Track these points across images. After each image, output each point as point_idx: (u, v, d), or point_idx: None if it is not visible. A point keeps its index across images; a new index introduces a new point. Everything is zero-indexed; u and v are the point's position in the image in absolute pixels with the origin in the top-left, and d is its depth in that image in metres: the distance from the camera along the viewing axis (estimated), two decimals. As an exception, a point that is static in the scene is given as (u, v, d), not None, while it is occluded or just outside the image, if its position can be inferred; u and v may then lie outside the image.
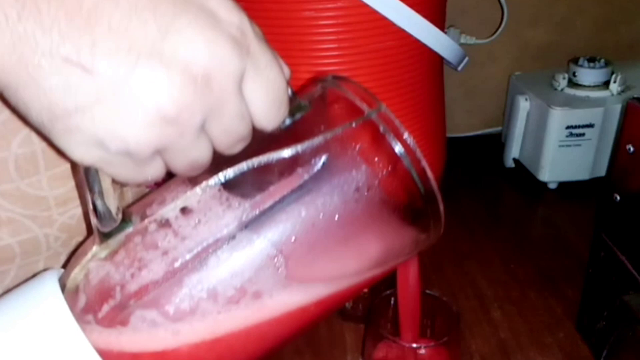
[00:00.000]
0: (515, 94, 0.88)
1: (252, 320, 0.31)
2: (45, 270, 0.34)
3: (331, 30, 0.61)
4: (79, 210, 0.41)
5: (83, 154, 0.26)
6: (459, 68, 0.73)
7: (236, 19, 0.27)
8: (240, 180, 0.31)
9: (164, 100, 0.25)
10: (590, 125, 0.81)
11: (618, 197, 0.51)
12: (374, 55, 0.63)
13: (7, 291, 0.32)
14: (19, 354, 0.29)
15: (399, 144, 0.33)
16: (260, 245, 0.31)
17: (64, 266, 0.34)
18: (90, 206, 0.30)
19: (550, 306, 0.64)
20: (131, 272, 0.30)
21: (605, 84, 0.85)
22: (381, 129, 0.33)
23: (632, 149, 0.48)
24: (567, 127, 0.81)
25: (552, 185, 0.86)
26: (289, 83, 0.31)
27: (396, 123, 0.33)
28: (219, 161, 0.30)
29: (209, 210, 0.31)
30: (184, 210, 0.31)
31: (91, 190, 0.29)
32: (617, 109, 0.81)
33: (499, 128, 1.01)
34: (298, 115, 0.32)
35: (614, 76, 0.84)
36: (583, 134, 0.82)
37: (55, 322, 0.30)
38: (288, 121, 0.32)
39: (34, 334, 0.29)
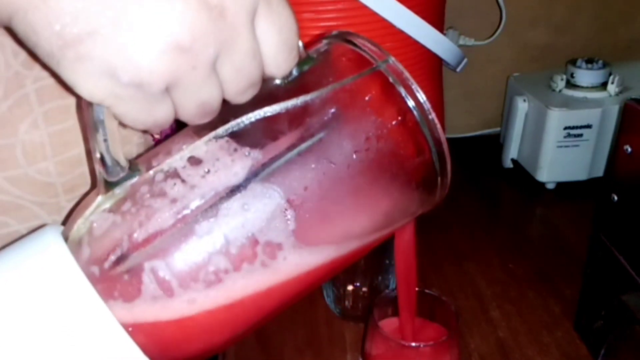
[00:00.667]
0: (514, 95, 0.88)
1: (266, 283, 0.31)
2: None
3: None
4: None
5: (93, 88, 0.25)
6: (458, 69, 0.73)
7: None
8: (248, 132, 0.30)
9: (178, 27, 0.24)
10: (588, 126, 0.81)
11: (616, 197, 0.51)
12: None
13: (7, 245, 0.31)
14: (22, 304, 0.27)
15: (408, 95, 0.32)
16: (271, 195, 0.30)
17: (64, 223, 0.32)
18: (97, 153, 0.28)
19: (548, 306, 0.64)
20: (139, 220, 0.29)
21: (603, 85, 0.85)
22: (390, 79, 0.32)
23: (629, 149, 0.48)
24: (565, 128, 0.81)
25: (550, 186, 0.86)
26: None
27: (405, 75, 0.32)
28: (227, 114, 0.30)
29: (217, 160, 0.30)
30: (192, 160, 0.30)
31: (97, 135, 0.28)
32: (615, 109, 0.81)
33: (498, 129, 1.01)
34: (306, 67, 0.32)
35: (611, 77, 0.84)
36: (581, 135, 0.82)
37: (59, 271, 0.28)
38: (296, 72, 0.31)
39: (37, 284, 0.28)
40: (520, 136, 0.89)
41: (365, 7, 0.59)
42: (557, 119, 0.81)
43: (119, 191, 0.29)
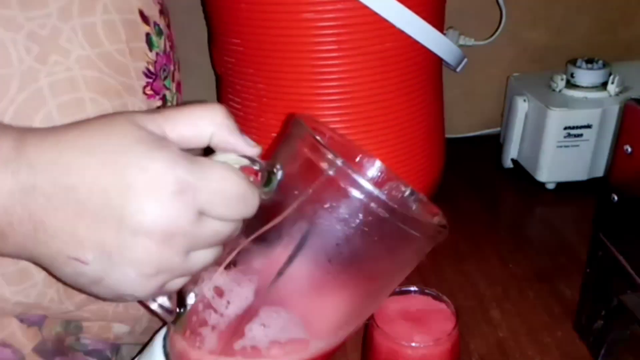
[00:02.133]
0: (514, 95, 0.88)
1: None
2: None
3: (331, 32, 0.61)
4: None
5: (112, 300, 0.36)
6: (458, 69, 0.73)
7: (170, 176, 0.32)
8: (247, 256, 0.39)
9: (141, 267, 0.33)
10: (588, 126, 0.81)
11: (616, 198, 0.51)
12: (373, 56, 0.63)
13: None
14: None
15: (359, 192, 0.35)
16: (278, 312, 0.39)
17: None
18: (158, 311, 0.39)
19: (548, 306, 0.64)
20: (197, 344, 0.40)
21: (603, 85, 0.85)
22: (341, 184, 0.36)
23: (629, 149, 0.48)
24: (565, 128, 0.81)
25: (550, 186, 0.86)
26: (258, 157, 0.37)
27: (351, 175, 0.35)
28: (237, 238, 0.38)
29: (231, 290, 0.39)
30: (217, 290, 0.39)
31: (144, 306, 0.39)
32: (615, 109, 0.81)
33: (498, 129, 1.01)
34: (276, 183, 0.38)
35: (611, 77, 0.84)
36: (581, 135, 0.82)
37: None
38: (266, 195, 0.37)
39: None
40: (520, 136, 0.88)
41: (365, 7, 0.59)
42: (557, 119, 0.81)
43: (180, 324, 0.40)
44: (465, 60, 0.72)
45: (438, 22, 0.68)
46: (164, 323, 0.46)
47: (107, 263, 0.32)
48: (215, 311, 0.39)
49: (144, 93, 0.49)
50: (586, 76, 0.85)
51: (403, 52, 0.65)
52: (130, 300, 0.36)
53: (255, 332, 0.39)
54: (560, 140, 0.82)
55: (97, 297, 0.35)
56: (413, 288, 0.52)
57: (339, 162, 0.35)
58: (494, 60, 1.00)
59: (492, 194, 0.88)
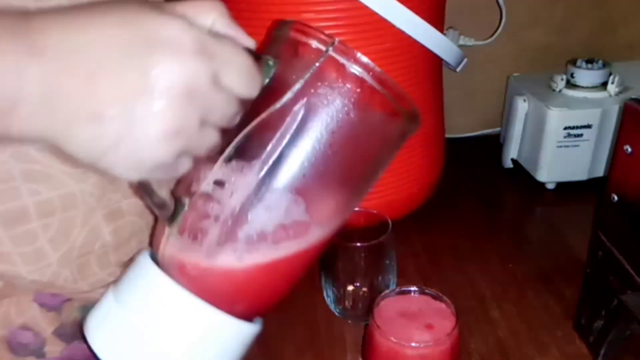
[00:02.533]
0: (514, 95, 0.88)
1: (293, 250, 0.41)
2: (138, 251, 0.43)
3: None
4: None
5: (128, 176, 0.34)
6: (458, 69, 0.73)
7: (189, 35, 0.33)
8: (246, 147, 0.39)
9: (163, 123, 0.32)
10: (588, 126, 0.81)
11: (616, 197, 0.51)
12: (373, 56, 0.61)
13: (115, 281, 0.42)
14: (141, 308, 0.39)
15: (358, 67, 0.39)
16: (281, 194, 0.39)
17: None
18: (150, 205, 0.38)
19: (548, 305, 0.64)
20: (199, 239, 0.39)
21: (603, 85, 0.85)
22: (340, 60, 0.39)
23: (629, 149, 0.48)
24: (565, 128, 0.81)
25: (550, 186, 0.86)
26: (255, 49, 0.38)
27: (352, 52, 0.39)
28: (228, 137, 0.38)
29: (233, 179, 0.39)
30: (217, 182, 0.39)
31: (147, 195, 0.38)
32: (615, 109, 0.81)
33: (498, 129, 1.01)
34: (271, 73, 0.39)
35: (611, 77, 0.84)
36: (581, 135, 0.82)
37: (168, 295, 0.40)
38: (266, 81, 0.38)
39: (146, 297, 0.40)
40: (520, 136, 0.88)
41: (365, 7, 0.59)
42: (557, 119, 0.81)
43: (176, 223, 0.39)
44: (466, 60, 0.72)
45: (438, 22, 0.68)
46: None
47: (128, 120, 0.31)
48: (218, 202, 0.39)
49: None
50: (586, 76, 0.85)
51: (403, 52, 0.65)
52: (143, 174, 0.35)
53: (261, 216, 0.39)
54: (560, 140, 0.82)
55: (112, 172, 0.34)
56: (413, 288, 0.52)
57: (335, 40, 0.38)
58: (494, 60, 1.00)
59: (492, 194, 0.88)
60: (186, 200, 0.40)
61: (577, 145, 0.82)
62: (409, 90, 0.66)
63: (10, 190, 0.43)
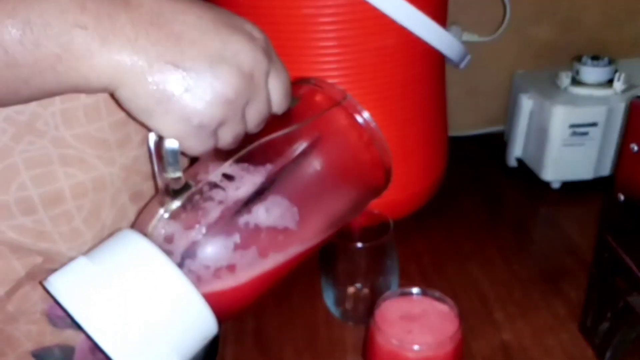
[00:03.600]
0: (518, 93, 0.88)
1: (285, 249, 0.47)
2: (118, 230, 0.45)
3: (331, 27, 0.61)
4: (133, 153, 0.51)
5: (173, 130, 0.39)
6: (461, 66, 0.73)
7: (262, 36, 0.42)
8: (255, 155, 0.45)
9: (227, 87, 0.39)
10: (594, 124, 0.81)
11: (622, 197, 0.51)
12: (374, 53, 0.63)
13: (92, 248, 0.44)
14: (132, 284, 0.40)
15: (362, 119, 0.52)
16: (280, 202, 0.46)
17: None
18: (167, 173, 0.42)
19: (553, 307, 0.63)
20: (198, 219, 0.43)
21: (609, 82, 0.84)
22: (347, 109, 0.51)
23: (636, 148, 0.48)
24: (571, 126, 0.81)
25: (556, 185, 0.86)
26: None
27: (359, 107, 0.52)
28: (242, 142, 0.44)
29: (241, 176, 0.45)
30: (226, 176, 0.45)
31: (168, 163, 0.41)
32: (621, 107, 0.81)
33: (502, 127, 1.01)
34: (293, 104, 0.48)
35: (617, 74, 0.83)
36: (586, 133, 0.81)
37: (147, 258, 0.41)
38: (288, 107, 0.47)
39: (134, 271, 0.40)
40: (524, 134, 0.88)
41: (365, 2, 0.58)
42: (562, 117, 0.81)
43: (179, 199, 0.43)
44: (469, 57, 0.72)
45: (441, 17, 0.68)
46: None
47: (196, 76, 0.38)
48: (224, 190, 0.44)
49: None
50: (592, 73, 0.84)
51: (405, 49, 0.64)
52: (183, 133, 0.39)
53: (260, 213, 0.45)
54: (565, 138, 0.82)
55: (158, 125, 0.38)
56: (415, 289, 0.52)
57: (348, 96, 0.52)
58: (498, 56, 1.00)
59: (496, 193, 0.88)
60: (191, 182, 0.44)
61: (583, 144, 0.82)
62: (411, 88, 0.68)
63: (49, 174, 0.47)
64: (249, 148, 0.45)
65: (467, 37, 0.94)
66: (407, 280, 0.67)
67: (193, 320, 0.41)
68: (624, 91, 0.83)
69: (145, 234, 0.43)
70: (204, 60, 0.38)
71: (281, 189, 0.46)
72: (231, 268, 0.44)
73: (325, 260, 0.61)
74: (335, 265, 0.60)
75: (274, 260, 0.46)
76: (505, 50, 0.99)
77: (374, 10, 0.59)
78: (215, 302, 0.42)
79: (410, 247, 0.74)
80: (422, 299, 0.51)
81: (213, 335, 0.44)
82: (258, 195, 0.45)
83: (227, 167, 0.45)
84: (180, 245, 0.42)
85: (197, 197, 0.44)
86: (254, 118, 0.42)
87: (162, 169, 0.41)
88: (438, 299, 0.51)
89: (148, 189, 0.54)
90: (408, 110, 0.68)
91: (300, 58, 0.63)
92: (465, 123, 1.03)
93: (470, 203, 0.84)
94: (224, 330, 0.63)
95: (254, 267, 0.45)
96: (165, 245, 0.42)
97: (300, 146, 0.48)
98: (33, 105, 0.46)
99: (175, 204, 0.43)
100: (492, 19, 0.96)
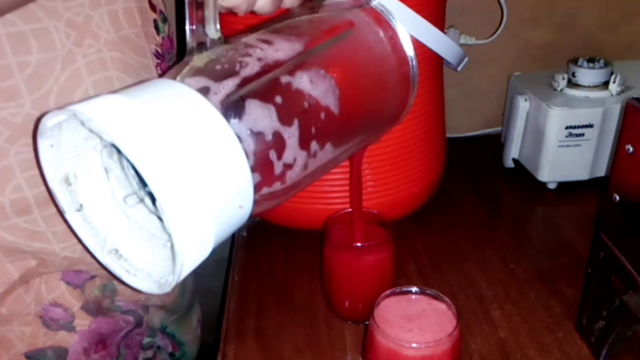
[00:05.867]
0: (515, 94, 0.88)
1: (322, 141, 0.43)
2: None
3: None
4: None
5: None
6: (459, 68, 0.72)
7: None
8: (294, 32, 0.43)
9: None
10: (590, 126, 0.81)
11: (617, 197, 0.51)
12: None
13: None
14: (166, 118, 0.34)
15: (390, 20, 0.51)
16: (324, 75, 0.42)
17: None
18: (207, 19, 0.39)
19: (549, 306, 0.64)
20: (237, 66, 0.38)
21: (605, 84, 0.84)
22: (378, 10, 0.51)
23: (631, 149, 0.48)
24: (567, 127, 0.81)
25: (552, 186, 0.86)
26: None
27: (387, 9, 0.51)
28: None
29: (279, 41, 0.41)
30: (264, 39, 0.41)
31: (209, 18, 0.39)
32: (617, 109, 0.81)
33: (499, 128, 1.01)
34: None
35: (613, 76, 0.83)
36: (582, 134, 0.81)
37: (189, 101, 0.35)
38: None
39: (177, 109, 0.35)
40: (521, 136, 0.88)
41: (365, 5, 0.58)
42: (558, 119, 0.81)
43: (212, 52, 0.39)
44: (466, 59, 0.72)
45: (439, 20, 0.68)
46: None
47: None
48: (261, 49, 0.40)
49: (157, 72, 0.56)
50: (588, 75, 0.84)
51: None
52: None
53: (304, 80, 0.40)
54: (561, 139, 0.82)
55: None
56: (413, 288, 0.52)
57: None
58: (495, 59, 1.00)
59: (493, 193, 0.88)
60: (228, 44, 0.40)
61: (579, 145, 0.82)
62: None
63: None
64: (286, 22, 0.43)
65: (465, 39, 0.94)
66: (405, 280, 0.67)
67: (234, 185, 0.35)
68: (619, 93, 0.83)
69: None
70: None
71: (324, 60, 0.43)
72: (275, 136, 0.38)
73: (325, 261, 0.61)
74: (335, 265, 0.61)
75: (313, 144, 0.41)
76: (502, 52, 0.99)
77: (373, 13, 0.59)
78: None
79: (408, 247, 0.74)
80: (421, 298, 0.51)
81: (247, 213, 0.38)
82: (300, 61, 0.41)
83: (264, 33, 0.42)
84: (215, 99, 0.36)
85: (232, 52, 0.39)
86: None
87: (201, 24, 0.38)
88: (436, 298, 0.51)
89: None
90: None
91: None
92: (462, 124, 1.03)
93: (468, 203, 0.84)
94: (224, 328, 0.63)
95: (294, 146, 0.39)
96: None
97: (338, 31, 0.46)
98: (28, 107, 0.46)
99: (209, 53, 0.38)
100: (489, 22, 0.96)
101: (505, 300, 0.65)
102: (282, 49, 0.40)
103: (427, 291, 0.51)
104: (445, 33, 0.66)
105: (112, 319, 0.58)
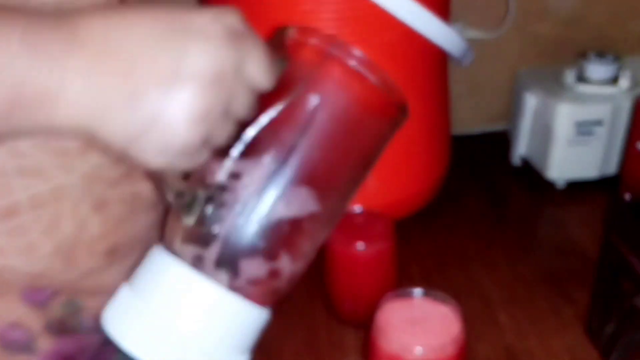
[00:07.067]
0: (522, 90, 0.87)
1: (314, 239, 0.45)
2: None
3: (331, 24, 0.61)
4: (95, 160, 0.49)
5: (154, 162, 0.37)
6: (464, 63, 0.72)
7: (219, 24, 0.36)
8: (257, 141, 0.41)
9: (195, 105, 0.35)
10: (599, 122, 0.81)
11: (629, 197, 0.50)
12: (375, 50, 0.61)
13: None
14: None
15: (358, 63, 0.43)
16: (297, 186, 0.42)
17: None
18: (167, 194, 0.41)
19: (558, 309, 0.63)
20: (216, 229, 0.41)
21: (614, 80, 0.84)
22: (342, 58, 0.43)
23: (643, 146, 0.48)
24: (576, 124, 0.81)
25: (560, 184, 0.85)
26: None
27: (350, 49, 0.43)
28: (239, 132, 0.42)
29: (246, 173, 0.42)
30: (233, 175, 0.42)
31: (165, 184, 0.41)
32: (627, 105, 0.81)
33: (505, 125, 1.01)
34: (281, 67, 0.43)
35: (622, 72, 0.83)
36: (592, 131, 0.81)
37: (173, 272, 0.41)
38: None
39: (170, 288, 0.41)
40: (528, 133, 0.88)
41: (367, -2, 0.58)
42: (567, 115, 0.80)
43: (193, 214, 0.41)
44: (472, 54, 0.72)
45: (443, 14, 0.68)
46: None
47: (161, 103, 0.35)
48: (235, 193, 0.42)
49: None
50: (597, 70, 0.84)
51: (406, 46, 0.64)
52: (169, 159, 0.38)
53: (280, 209, 0.42)
54: (570, 136, 0.81)
55: (142, 157, 0.37)
56: (417, 290, 0.51)
57: (336, 39, 0.43)
58: (502, 53, 1.00)
59: (500, 192, 0.88)
60: (202, 192, 0.42)
61: (588, 142, 0.82)
62: (413, 86, 0.67)
63: (4, 186, 0.46)
64: (246, 137, 0.42)
65: (470, 33, 0.93)
66: (409, 282, 0.66)
67: (244, 323, 0.43)
68: (629, 89, 0.83)
69: (174, 252, 0.42)
70: (160, 84, 0.35)
71: (294, 171, 0.42)
72: (270, 273, 0.43)
73: (325, 262, 0.61)
74: (335, 266, 0.61)
75: (308, 243, 0.45)
76: (508, 47, 0.99)
77: (375, 7, 0.59)
78: (260, 296, 0.43)
79: (412, 248, 0.73)
80: (425, 300, 0.51)
81: (267, 320, 0.45)
82: (273, 187, 0.42)
83: (232, 164, 0.42)
84: (208, 262, 0.42)
85: (209, 208, 0.42)
86: (240, 111, 0.39)
87: (163, 188, 0.41)
88: (441, 301, 0.50)
89: (112, 196, 0.52)
90: (410, 108, 0.68)
91: (299, 55, 0.62)
92: (468, 121, 1.02)
93: (474, 202, 0.84)
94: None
95: (289, 270, 0.44)
96: (196, 263, 0.42)
97: (302, 115, 0.43)
98: None
99: (190, 219, 0.42)
100: (495, 16, 0.95)
101: (512, 303, 0.64)
102: (252, 180, 0.41)
103: (432, 293, 0.51)
104: (450, 27, 0.66)
105: (78, 338, 0.57)
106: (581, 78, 0.85)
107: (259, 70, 0.39)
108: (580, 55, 0.86)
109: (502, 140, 0.98)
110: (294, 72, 0.44)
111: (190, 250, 0.42)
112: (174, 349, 0.39)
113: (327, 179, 0.45)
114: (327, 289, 0.62)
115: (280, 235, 0.42)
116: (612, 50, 0.86)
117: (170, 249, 0.42)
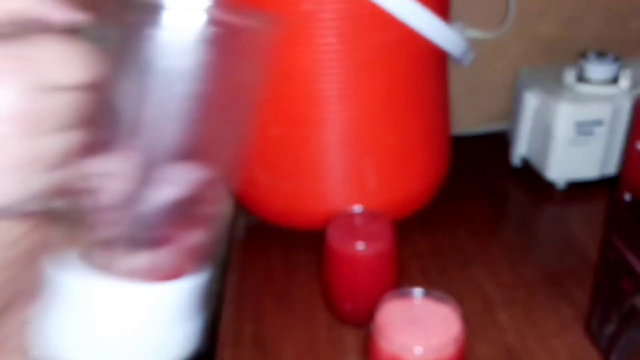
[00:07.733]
0: (522, 90, 0.87)
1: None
2: None
3: (331, 24, 0.60)
4: None
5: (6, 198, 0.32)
6: (464, 63, 0.72)
7: None
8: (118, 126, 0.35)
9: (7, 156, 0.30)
10: (599, 122, 0.80)
11: (629, 197, 0.50)
12: (375, 50, 0.62)
13: None
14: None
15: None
16: (169, 164, 0.36)
17: None
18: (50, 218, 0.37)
19: (558, 309, 0.63)
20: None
21: (615, 80, 0.83)
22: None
23: (643, 146, 0.48)
24: (576, 124, 0.80)
25: (560, 184, 0.85)
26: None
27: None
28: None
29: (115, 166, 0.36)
30: (96, 175, 0.36)
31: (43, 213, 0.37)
32: (627, 105, 0.80)
33: (505, 124, 1.01)
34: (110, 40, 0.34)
35: (623, 72, 0.83)
36: (592, 131, 0.81)
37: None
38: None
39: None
40: (528, 133, 0.88)
41: (366, -2, 0.57)
42: (567, 115, 0.80)
43: (79, 224, 0.37)
44: (472, 53, 0.72)
45: (443, 13, 0.68)
46: None
47: None
48: (110, 193, 0.37)
49: None
50: (597, 70, 0.83)
51: (407, 45, 0.64)
52: (19, 209, 0.33)
53: (163, 192, 0.36)
54: (570, 136, 0.81)
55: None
56: (417, 291, 0.51)
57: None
58: (502, 53, 0.99)
59: (500, 192, 0.88)
60: (77, 201, 0.38)
61: (588, 142, 0.81)
62: (412, 86, 0.67)
63: None
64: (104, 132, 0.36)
65: (471, 33, 0.93)
66: (409, 282, 0.66)
67: (168, 302, 0.38)
68: (629, 89, 0.82)
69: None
70: None
71: (165, 150, 0.36)
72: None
73: (325, 262, 0.61)
74: (335, 266, 0.60)
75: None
76: (509, 46, 0.99)
77: (375, 6, 0.58)
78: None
79: (411, 248, 0.73)
80: (424, 300, 0.50)
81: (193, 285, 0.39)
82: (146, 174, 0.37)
83: (98, 164, 0.37)
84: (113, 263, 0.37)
85: (90, 212, 0.38)
86: (59, 115, 0.33)
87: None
88: (440, 301, 0.50)
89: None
90: (410, 108, 0.68)
91: (299, 55, 0.62)
92: (468, 121, 1.02)
93: (474, 203, 0.84)
94: (222, 333, 0.63)
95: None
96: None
97: (157, 82, 0.35)
98: None
99: (75, 231, 0.38)
100: (496, 15, 0.95)
101: (512, 303, 0.64)
102: (123, 174, 0.36)
103: (431, 293, 0.50)
104: (450, 26, 0.66)
105: None
106: (581, 78, 0.85)
107: (62, 71, 0.32)
108: (580, 55, 0.85)
109: (502, 140, 0.97)
110: (130, 36, 0.35)
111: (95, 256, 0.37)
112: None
113: (211, 140, 0.38)
114: (327, 289, 0.62)
115: (176, 214, 0.37)
116: (612, 50, 0.86)
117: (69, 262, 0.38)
